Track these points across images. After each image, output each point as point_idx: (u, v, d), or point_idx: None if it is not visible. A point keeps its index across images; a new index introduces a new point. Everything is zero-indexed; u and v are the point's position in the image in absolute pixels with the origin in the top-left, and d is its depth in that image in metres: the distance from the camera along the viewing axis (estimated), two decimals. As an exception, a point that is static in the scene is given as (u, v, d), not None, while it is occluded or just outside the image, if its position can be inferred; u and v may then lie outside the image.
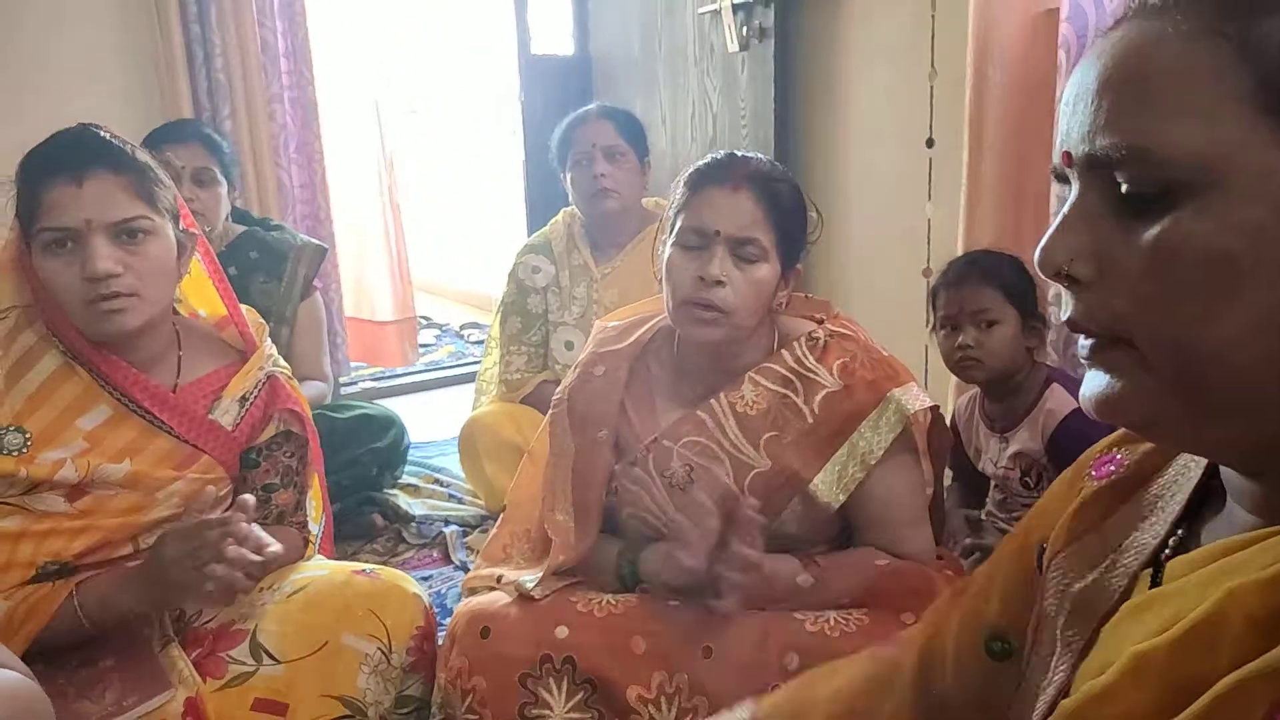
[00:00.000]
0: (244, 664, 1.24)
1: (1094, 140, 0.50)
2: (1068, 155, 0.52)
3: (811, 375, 1.24)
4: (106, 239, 1.21)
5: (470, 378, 3.23)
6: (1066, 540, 0.63)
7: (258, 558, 1.18)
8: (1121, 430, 0.64)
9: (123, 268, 1.22)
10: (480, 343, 4.23)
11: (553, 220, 2.40)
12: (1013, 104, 1.94)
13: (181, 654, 1.25)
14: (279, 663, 1.24)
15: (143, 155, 1.30)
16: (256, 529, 1.22)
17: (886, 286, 2.51)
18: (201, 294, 1.47)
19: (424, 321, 4.63)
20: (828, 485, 1.22)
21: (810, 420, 1.23)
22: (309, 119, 2.97)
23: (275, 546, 1.21)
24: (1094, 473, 0.64)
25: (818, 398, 1.23)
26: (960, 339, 1.57)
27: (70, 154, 1.23)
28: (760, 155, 1.29)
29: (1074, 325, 0.52)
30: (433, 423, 3.10)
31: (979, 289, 1.57)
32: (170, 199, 1.31)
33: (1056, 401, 1.55)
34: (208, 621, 1.30)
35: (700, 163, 1.27)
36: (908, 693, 0.77)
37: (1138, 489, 0.61)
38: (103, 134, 1.27)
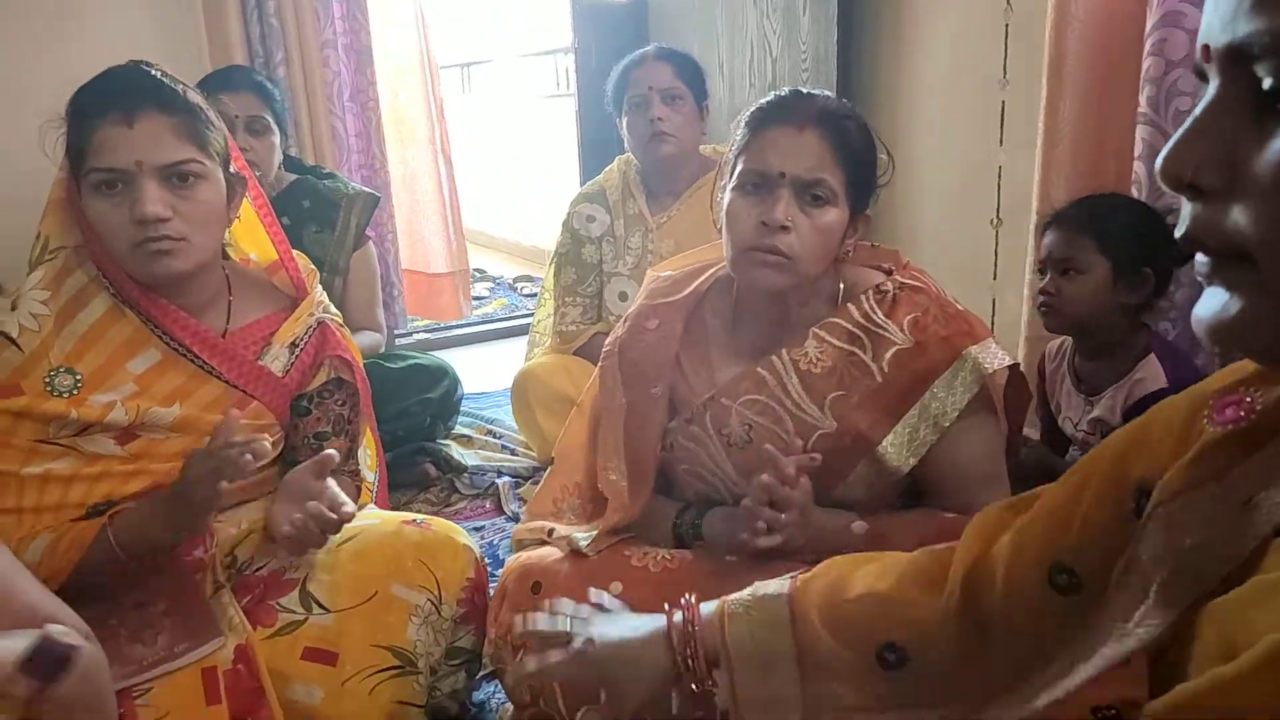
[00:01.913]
0: (294, 612, 1.23)
1: (1236, 27, 0.44)
2: (1205, 49, 0.46)
3: (881, 331, 1.17)
4: (156, 181, 1.19)
5: (523, 330, 3.21)
6: (1181, 487, 0.57)
7: (333, 516, 1.17)
8: (1245, 364, 0.57)
9: (172, 211, 1.20)
10: (533, 295, 4.20)
11: (607, 168, 2.34)
12: (1096, 40, 1.82)
13: (233, 601, 1.25)
14: (329, 612, 1.23)
15: (194, 96, 1.26)
16: (334, 487, 1.21)
17: (953, 236, 2.41)
18: (253, 238, 1.45)
19: (477, 274, 4.62)
20: (898, 448, 1.15)
21: (879, 379, 1.16)
22: (363, 65, 2.93)
23: (350, 507, 1.20)
24: (1216, 414, 0.57)
25: (887, 355, 1.16)
26: (1043, 283, 1.54)
27: (121, 93, 1.20)
28: (827, 93, 1.21)
29: (1190, 241, 0.47)
30: (486, 374, 3.09)
31: (1069, 234, 1.51)
32: (221, 142, 1.28)
33: (1148, 372, 1.46)
34: (259, 569, 1.29)
35: (763, 101, 1.19)
36: (954, 600, 0.74)
37: (1271, 438, 0.54)
38: (154, 72, 1.24)
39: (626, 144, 2.23)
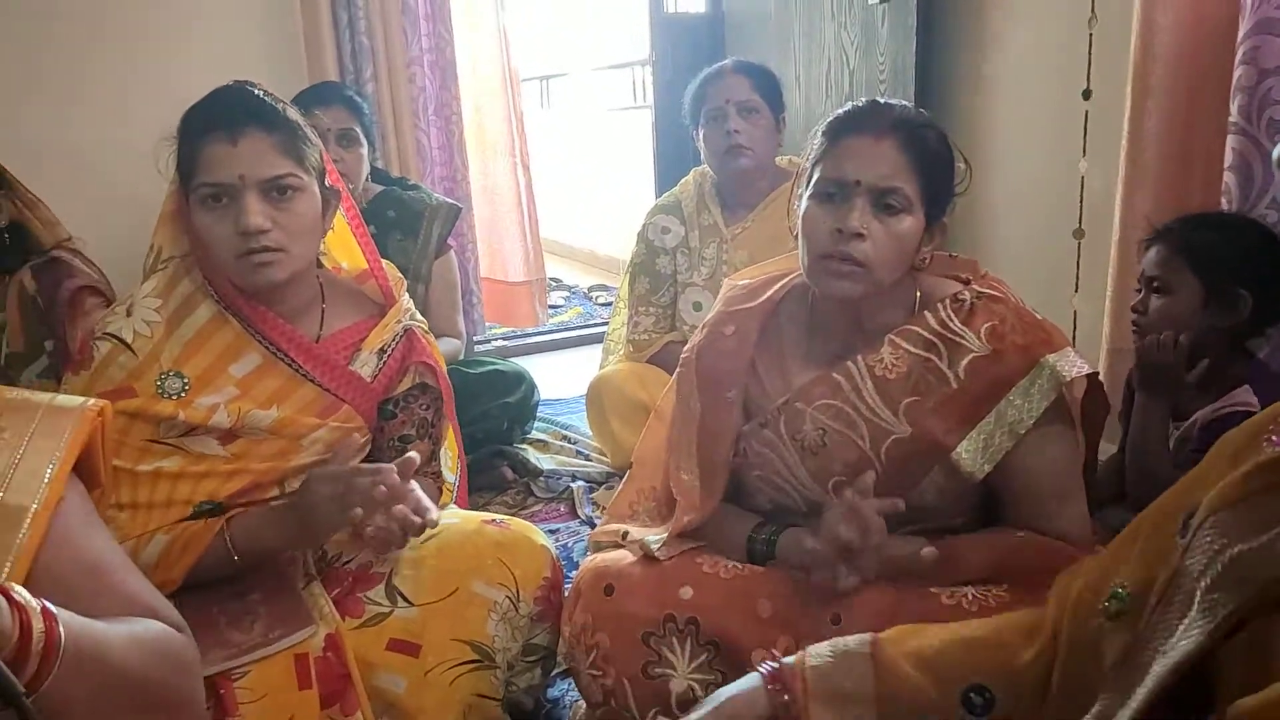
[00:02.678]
0: (380, 605, 1.28)
1: None
2: None
3: (957, 338, 1.18)
4: (258, 195, 1.26)
5: (598, 339, 3.26)
6: (1231, 500, 0.57)
7: (417, 519, 1.21)
8: None
9: (271, 223, 1.26)
10: (608, 305, 4.26)
11: (683, 180, 2.37)
12: (1184, 48, 1.79)
13: (323, 592, 1.31)
14: (413, 605, 1.28)
15: (293, 114, 1.34)
16: (419, 491, 1.26)
17: (1034, 247, 2.37)
18: (345, 248, 1.51)
19: (553, 283, 4.69)
20: (972, 454, 1.15)
21: (954, 385, 1.16)
22: (447, 81, 3.02)
23: (435, 514, 1.23)
24: (1276, 437, 0.58)
25: (963, 362, 1.16)
26: (1135, 300, 1.51)
27: (227, 112, 1.27)
28: (905, 103, 1.22)
29: None
30: (561, 381, 3.15)
31: (1164, 252, 1.46)
32: (317, 157, 1.35)
33: (1237, 402, 1.40)
34: (347, 563, 1.35)
35: (840, 111, 1.21)
36: (1046, 643, 0.73)
37: None
38: (257, 92, 1.31)
39: (703, 156, 2.26)
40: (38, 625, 0.62)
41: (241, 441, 1.33)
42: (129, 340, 1.29)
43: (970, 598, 1.07)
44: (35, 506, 0.73)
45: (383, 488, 1.18)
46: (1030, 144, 2.38)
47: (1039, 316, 1.20)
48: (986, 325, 1.17)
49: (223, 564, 1.26)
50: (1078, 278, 2.17)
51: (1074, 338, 2.08)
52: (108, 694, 0.68)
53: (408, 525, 1.20)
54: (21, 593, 0.62)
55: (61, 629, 0.65)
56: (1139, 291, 1.52)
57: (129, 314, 1.31)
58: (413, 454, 1.27)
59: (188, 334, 1.32)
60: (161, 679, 0.76)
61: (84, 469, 0.82)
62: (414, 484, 1.24)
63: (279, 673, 1.20)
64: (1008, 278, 1.32)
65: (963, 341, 1.17)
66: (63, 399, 0.80)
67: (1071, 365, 1.15)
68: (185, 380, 1.30)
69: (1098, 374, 1.20)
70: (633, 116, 5.14)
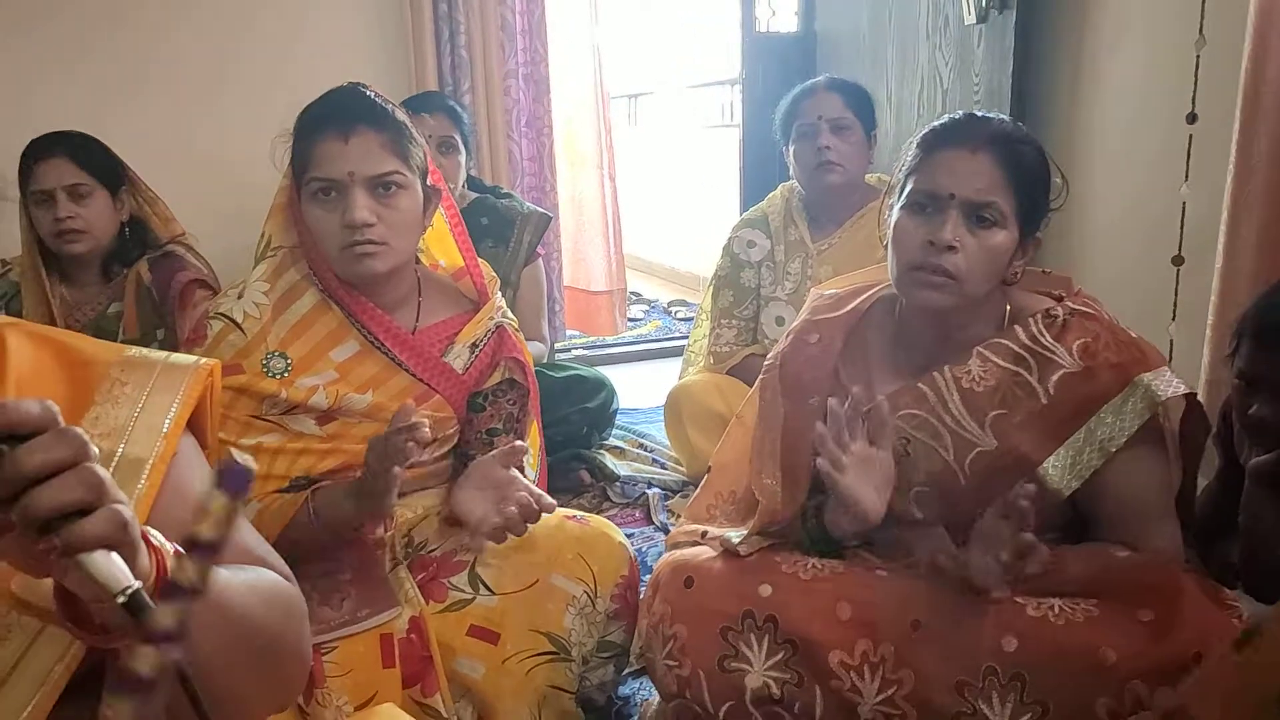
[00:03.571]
0: (463, 592, 1.32)
1: None
2: None
3: (1048, 354, 1.16)
4: (365, 190, 1.32)
5: (676, 352, 3.28)
6: None
7: (536, 507, 1.26)
8: None
9: (376, 218, 1.32)
10: (687, 320, 4.28)
11: (770, 195, 2.38)
12: (1298, 74, 1.73)
13: (409, 576, 1.35)
14: (494, 594, 1.31)
15: (401, 115, 1.39)
16: (521, 478, 1.31)
17: (1131, 272, 2.31)
18: (442, 246, 1.57)
19: (634, 297, 4.74)
20: (1059, 470, 1.14)
21: (1044, 400, 1.15)
22: (540, 94, 3.10)
23: (549, 499, 1.28)
24: None
25: (1054, 377, 1.15)
26: (1255, 407, 1.18)
27: (340, 112, 1.34)
28: (1002, 116, 1.22)
29: None
30: (639, 391, 3.17)
31: (1257, 353, 1.17)
32: (421, 157, 1.41)
33: None
34: (433, 550, 1.40)
35: (936, 123, 1.21)
36: None
37: None
38: (369, 94, 1.38)
39: (792, 171, 2.27)
40: (173, 566, 0.66)
41: (337, 423, 1.38)
42: (239, 320, 1.36)
43: (1057, 610, 1.05)
44: (153, 458, 0.77)
45: (411, 443, 1.20)
46: (1130, 168, 2.33)
47: (1134, 335, 1.18)
48: (1079, 342, 1.16)
49: (308, 532, 1.31)
50: (1176, 305, 2.10)
51: (1170, 365, 2.02)
52: (229, 638, 0.71)
53: (529, 514, 1.24)
54: (157, 537, 0.65)
55: None
56: (1240, 384, 1.22)
57: (240, 296, 1.38)
58: (521, 443, 1.31)
59: (293, 319, 1.39)
60: (277, 626, 0.79)
61: (195, 426, 0.86)
62: (515, 472, 1.28)
63: (365, 650, 1.25)
64: (1104, 301, 1.29)
65: (1054, 357, 1.16)
66: (177, 357, 0.83)
67: (1167, 385, 1.12)
68: (288, 361, 1.36)
69: (1195, 394, 1.17)
70: (720, 135, 5.17)
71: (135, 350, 0.83)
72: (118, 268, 2.17)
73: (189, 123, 2.82)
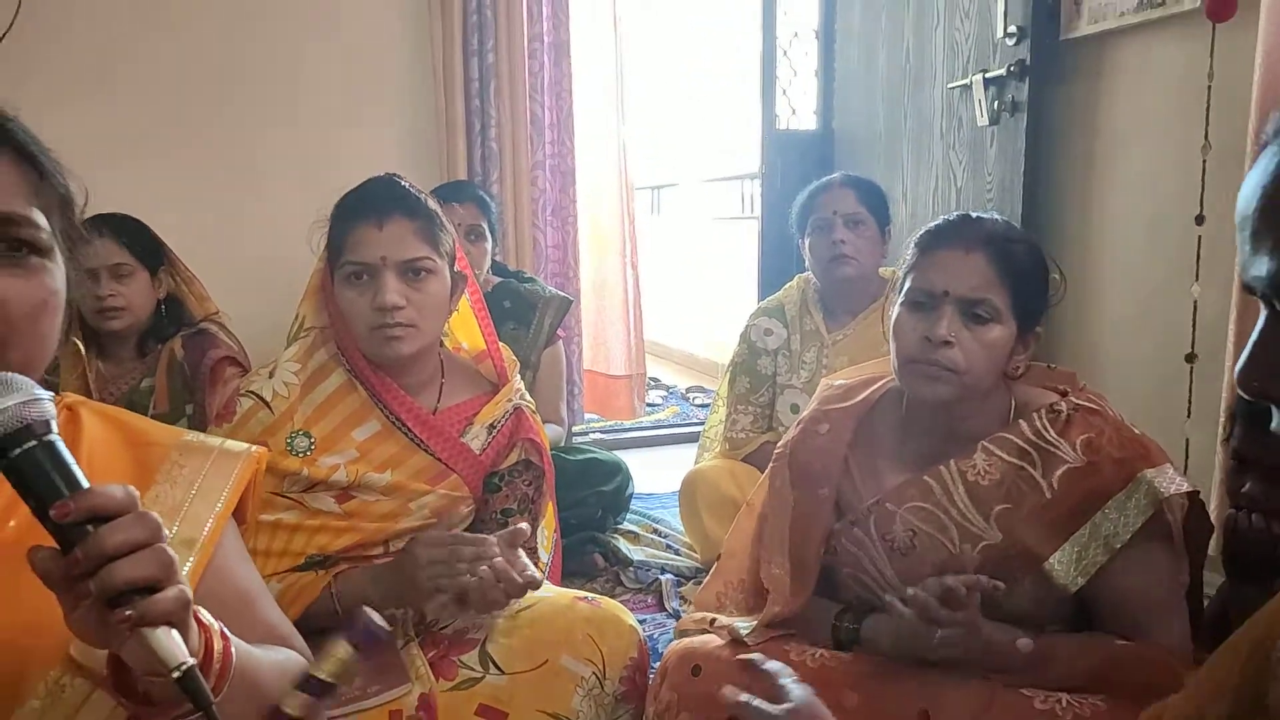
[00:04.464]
0: (473, 670, 1.33)
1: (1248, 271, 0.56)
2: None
3: (1052, 448, 1.19)
4: (396, 275, 1.38)
5: (693, 438, 3.30)
6: None
7: (519, 579, 1.26)
8: None
9: (406, 301, 1.38)
10: (705, 406, 4.31)
11: (787, 285, 2.44)
12: (1302, 179, 1.78)
13: (420, 654, 1.36)
14: (503, 673, 1.32)
15: (432, 204, 1.47)
16: (522, 555, 1.31)
17: (1145, 370, 2.34)
18: (466, 329, 1.62)
19: (652, 382, 4.79)
20: (1065, 566, 1.15)
21: (1048, 495, 1.17)
22: (566, 185, 3.21)
23: (536, 575, 1.29)
24: None
25: (1057, 472, 1.17)
26: (1247, 486, 1.26)
27: (375, 200, 1.41)
28: (996, 216, 1.27)
29: None
30: (655, 476, 3.19)
31: (1250, 434, 1.24)
32: (450, 243, 1.48)
33: None
34: (444, 627, 1.41)
35: (932, 224, 1.27)
36: None
37: None
38: (403, 184, 1.45)
39: (807, 263, 2.33)
40: (218, 645, 0.70)
41: (355, 501, 1.42)
42: (268, 399, 1.41)
43: (1064, 704, 1.05)
44: (202, 539, 0.82)
45: (483, 561, 1.24)
46: (1142, 266, 2.37)
47: (1138, 432, 1.21)
48: (1083, 437, 1.18)
49: (327, 616, 1.33)
50: (1190, 403, 2.12)
51: (1185, 465, 2.02)
52: (257, 714, 0.75)
53: (510, 586, 1.25)
54: (206, 615, 0.70)
55: (234, 650, 0.71)
56: (1231, 464, 1.30)
57: (271, 375, 1.43)
58: (523, 525, 1.33)
59: (319, 398, 1.44)
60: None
61: (238, 506, 0.90)
62: (520, 551, 1.30)
63: (374, 726, 1.25)
64: (1117, 400, 1.32)
65: (1057, 452, 1.18)
66: (231, 444, 0.89)
67: (1170, 482, 1.14)
68: (312, 440, 1.41)
69: (1198, 492, 1.18)
70: (739, 226, 5.29)
71: (193, 435, 0.88)
72: (153, 343, 2.25)
73: (230, 208, 2.94)
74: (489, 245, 2.46)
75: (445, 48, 2.97)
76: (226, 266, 2.64)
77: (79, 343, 2.18)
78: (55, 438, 0.64)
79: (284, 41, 2.95)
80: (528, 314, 2.52)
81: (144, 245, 2.20)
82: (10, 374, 0.64)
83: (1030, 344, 1.25)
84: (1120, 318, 2.43)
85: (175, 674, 0.61)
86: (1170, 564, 1.17)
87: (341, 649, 0.63)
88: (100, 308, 2.13)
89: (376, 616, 0.63)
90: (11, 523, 0.74)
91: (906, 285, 1.25)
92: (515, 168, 3.09)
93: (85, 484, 0.63)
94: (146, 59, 2.84)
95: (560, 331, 2.61)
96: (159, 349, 2.23)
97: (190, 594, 0.64)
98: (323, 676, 0.63)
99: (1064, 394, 1.26)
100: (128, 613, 0.60)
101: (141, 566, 0.61)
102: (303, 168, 2.93)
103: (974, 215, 1.26)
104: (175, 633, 0.62)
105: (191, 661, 0.62)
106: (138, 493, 0.64)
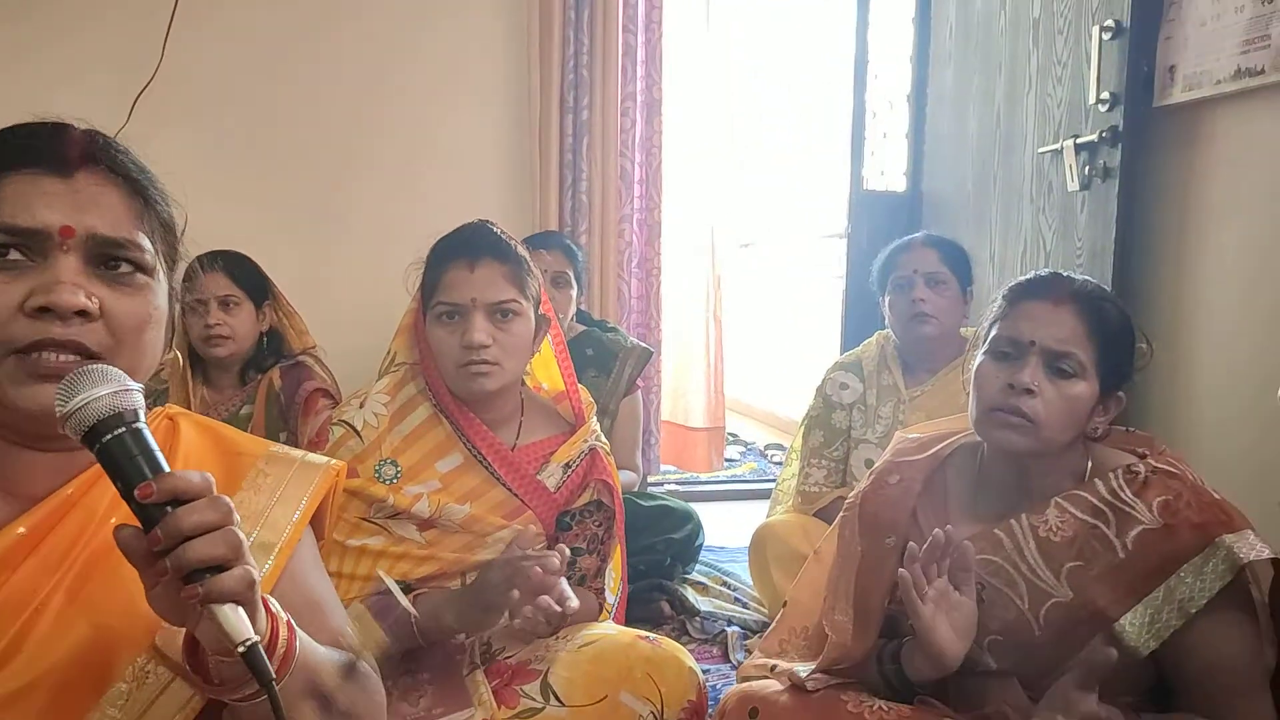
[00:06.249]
0: (534, 700, 1.36)
1: None
2: None
3: (1127, 509, 1.17)
4: (484, 315, 1.45)
5: (768, 494, 3.28)
6: None
7: (558, 608, 1.30)
8: None
9: (492, 340, 1.45)
10: (782, 464, 4.29)
11: (866, 341, 2.44)
12: None
13: (484, 680, 1.40)
14: (563, 705, 1.34)
15: (521, 250, 1.54)
16: (564, 584, 1.35)
17: (1242, 442, 2.25)
18: (547, 370, 1.68)
19: (731, 437, 4.79)
20: (1136, 628, 1.12)
21: (1122, 555, 1.15)
22: (652, 238, 3.29)
23: (574, 602, 1.33)
24: None
25: (1132, 533, 1.15)
26: None
27: (469, 244, 1.50)
28: (1086, 277, 1.27)
29: None
30: (728, 530, 3.18)
31: None
32: (535, 288, 1.54)
33: None
34: (509, 656, 1.45)
35: (1023, 278, 1.28)
36: None
37: None
38: (495, 230, 1.53)
39: (887, 321, 2.34)
40: (283, 633, 0.75)
41: (435, 531, 1.48)
42: (359, 428, 1.48)
43: (1131, 775, 1.02)
44: (280, 544, 0.88)
45: (538, 569, 1.27)
46: (1237, 336, 2.30)
47: (1218, 496, 1.18)
48: (1160, 499, 1.16)
49: (405, 638, 1.38)
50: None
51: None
52: (317, 712, 0.79)
53: (550, 614, 1.28)
54: (275, 605, 0.75)
55: (299, 643, 0.77)
56: None
57: (361, 406, 1.51)
58: (562, 546, 1.36)
59: (406, 429, 1.51)
60: (359, 712, 0.86)
61: (315, 521, 0.96)
62: (563, 581, 1.33)
63: (436, 748, 1.29)
64: (1212, 471, 1.28)
65: (1133, 512, 1.16)
66: (312, 456, 0.95)
67: (1250, 548, 1.11)
68: (398, 469, 1.48)
69: (1280, 559, 1.14)
70: (825, 286, 5.29)
71: (278, 446, 0.95)
72: (253, 373, 2.37)
73: (332, 248, 3.10)
74: (574, 293, 2.54)
75: (543, 103, 3.09)
76: (324, 303, 2.78)
77: (187, 368, 2.32)
78: (143, 425, 0.71)
79: (385, 92, 3.11)
80: (609, 362, 2.58)
81: (251, 279, 2.34)
82: (105, 365, 0.72)
83: (1112, 408, 1.24)
84: (1217, 387, 2.35)
85: (240, 649, 0.67)
86: (1251, 635, 1.13)
87: (367, 623, 0.70)
88: (207, 335, 2.26)
89: (391, 582, 0.68)
90: (112, 520, 0.81)
91: (992, 334, 1.26)
92: (604, 220, 3.18)
93: (167, 469, 0.69)
94: (257, 106, 3.03)
95: (640, 381, 2.66)
96: (259, 379, 2.36)
97: (256, 575, 0.69)
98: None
99: (1143, 456, 1.24)
100: (199, 588, 0.66)
101: (213, 546, 0.67)
102: (397, 215, 3.08)
103: (1064, 273, 1.27)
104: (242, 610, 0.68)
105: (256, 638, 0.67)
106: (213, 479, 0.70)
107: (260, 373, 2.37)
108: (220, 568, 0.67)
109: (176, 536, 0.66)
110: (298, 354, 2.43)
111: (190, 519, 0.66)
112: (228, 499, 0.69)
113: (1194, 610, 1.10)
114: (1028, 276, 1.28)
